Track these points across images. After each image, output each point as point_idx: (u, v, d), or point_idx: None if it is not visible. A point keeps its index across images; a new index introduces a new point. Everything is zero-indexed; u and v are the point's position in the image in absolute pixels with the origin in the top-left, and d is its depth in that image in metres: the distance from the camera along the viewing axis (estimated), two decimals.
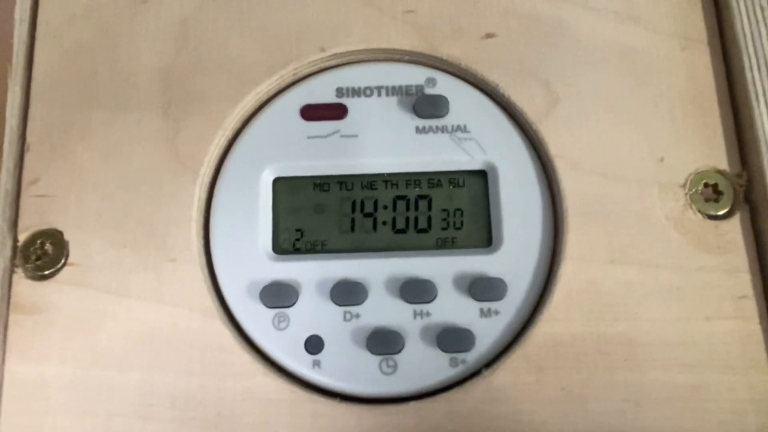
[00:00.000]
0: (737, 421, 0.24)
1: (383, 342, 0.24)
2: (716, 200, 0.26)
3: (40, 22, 0.28)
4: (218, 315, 0.25)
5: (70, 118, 0.27)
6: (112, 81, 0.28)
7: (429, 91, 0.27)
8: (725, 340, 0.24)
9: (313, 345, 0.25)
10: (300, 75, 0.28)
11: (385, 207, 0.26)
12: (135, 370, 0.24)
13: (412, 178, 0.27)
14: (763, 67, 0.26)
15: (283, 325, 0.25)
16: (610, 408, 0.24)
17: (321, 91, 0.27)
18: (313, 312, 0.25)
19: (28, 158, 0.27)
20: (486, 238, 0.26)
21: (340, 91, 0.27)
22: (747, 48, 0.26)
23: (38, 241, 0.26)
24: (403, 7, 0.28)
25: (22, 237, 0.26)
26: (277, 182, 0.27)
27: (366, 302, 0.25)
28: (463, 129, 0.27)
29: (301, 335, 0.25)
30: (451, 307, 0.25)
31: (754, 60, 0.26)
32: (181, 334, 0.25)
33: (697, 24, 0.28)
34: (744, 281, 0.25)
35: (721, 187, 0.26)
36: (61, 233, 0.26)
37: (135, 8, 0.28)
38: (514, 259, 0.25)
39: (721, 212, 0.25)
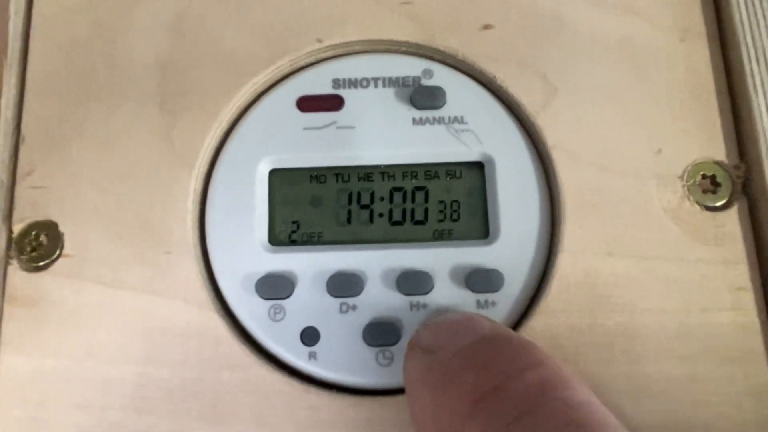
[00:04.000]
0: (735, 413, 0.23)
1: (380, 333, 0.24)
2: (714, 192, 0.25)
3: (35, 14, 0.28)
4: (214, 307, 0.25)
5: (66, 110, 0.27)
6: (108, 73, 0.27)
7: (426, 82, 0.27)
8: (723, 332, 0.24)
9: (309, 337, 0.25)
10: (296, 66, 0.28)
11: (382, 199, 0.26)
12: (130, 363, 0.24)
13: (409, 170, 0.27)
14: (761, 59, 0.26)
15: (279, 316, 0.25)
16: (607, 400, 0.23)
17: (317, 83, 0.27)
18: (309, 304, 0.25)
19: (23, 150, 0.27)
20: (483, 230, 0.26)
21: (336, 83, 0.27)
22: (746, 40, 0.26)
23: (33, 233, 0.26)
24: None
25: (17, 228, 0.26)
26: (273, 174, 0.27)
27: (362, 294, 0.25)
28: (460, 120, 0.27)
29: (297, 327, 0.25)
30: (448, 299, 0.25)
31: (752, 52, 0.26)
32: (177, 326, 0.25)
33: (695, 16, 0.27)
34: (742, 273, 0.25)
35: (718, 179, 0.25)
36: (56, 225, 0.26)
37: (130, 0, 0.28)
38: (511, 250, 0.25)
39: (718, 204, 0.25)
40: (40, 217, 0.26)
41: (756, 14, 0.26)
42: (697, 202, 0.25)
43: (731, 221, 0.25)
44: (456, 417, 0.18)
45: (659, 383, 0.24)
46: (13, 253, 0.25)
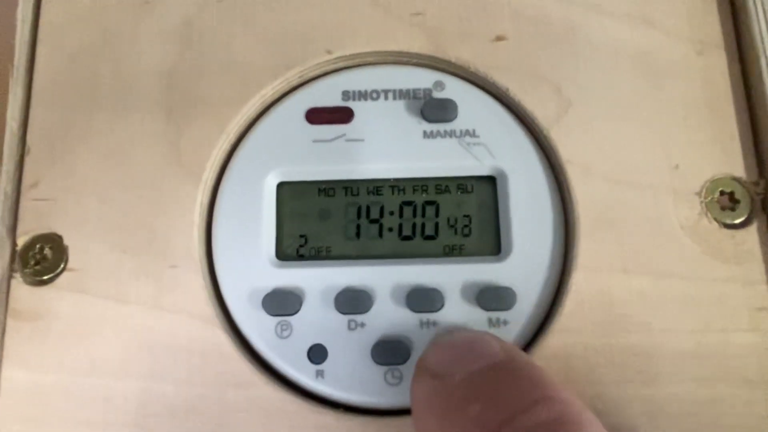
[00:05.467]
0: None
1: (389, 352, 0.24)
2: (732, 209, 0.25)
3: (43, 23, 0.28)
4: (219, 322, 0.24)
5: (72, 120, 0.27)
6: (115, 83, 0.27)
7: (437, 94, 0.27)
8: (742, 353, 0.24)
9: (317, 354, 0.24)
10: (305, 78, 0.27)
11: (392, 213, 0.26)
12: (134, 379, 0.24)
13: (419, 184, 0.26)
14: None
15: (285, 333, 0.24)
16: (623, 422, 0.23)
17: (327, 95, 0.27)
18: (317, 320, 0.24)
19: (28, 161, 0.26)
20: (495, 246, 0.25)
21: (346, 95, 0.27)
22: (765, 52, 0.26)
23: (37, 246, 0.25)
24: (411, 9, 0.27)
25: (21, 241, 0.25)
26: (281, 187, 0.26)
27: (371, 311, 0.24)
28: (471, 133, 0.26)
29: (305, 344, 0.24)
30: (459, 317, 0.24)
31: None
32: (182, 341, 0.24)
33: (713, 28, 0.27)
34: (761, 292, 0.24)
35: (737, 195, 0.25)
36: (60, 238, 0.25)
37: (138, 10, 0.28)
38: (523, 267, 0.25)
39: (737, 221, 0.25)
40: (45, 229, 0.25)
41: None
42: (716, 219, 0.25)
43: (751, 239, 0.25)
44: None
45: (676, 405, 0.23)
46: (17, 266, 0.25)
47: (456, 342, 0.21)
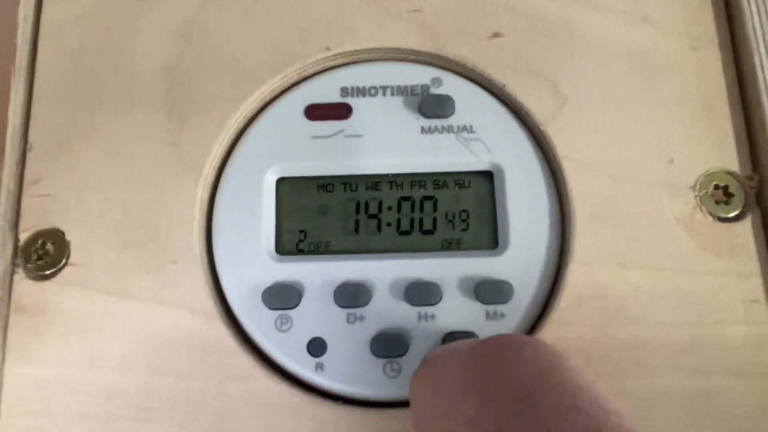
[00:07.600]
0: (748, 428, 0.23)
1: (387, 345, 0.24)
2: (727, 202, 0.25)
3: (44, 21, 0.28)
4: (220, 317, 0.25)
5: (73, 117, 0.27)
6: (115, 80, 0.27)
7: (435, 90, 0.27)
8: (736, 345, 0.24)
9: (316, 347, 0.24)
10: (304, 74, 0.28)
11: (390, 208, 0.26)
12: (135, 373, 0.24)
13: (417, 179, 0.26)
14: None
15: (285, 327, 0.25)
16: None
17: (325, 91, 0.27)
18: (316, 314, 0.25)
19: (30, 158, 0.27)
20: (492, 240, 0.26)
21: (344, 91, 0.27)
22: (758, 48, 0.26)
23: (39, 241, 0.25)
24: (409, 6, 0.28)
25: (24, 237, 0.26)
26: (281, 182, 0.26)
27: (370, 304, 0.25)
28: (469, 129, 0.26)
29: (304, 337, 0.24)
30: (457, 310, 0.25)
31: (765, 60, 0.26)
32: (183, 336, 0.24)
33: (707, 24, 0.27)
34: (755, 285, 0.24)
35: (731, 189, 0.25)
36: (62, 233, 0.26)
37: (138, 7, 0.28)
38: (520, 261, 0.25)
39: (731, 214, 0.25)
40: (47, 225, 0.26)
41: None
42: (710, 213, 0.25)
43: (744, 232, 0.25)
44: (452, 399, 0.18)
45: (671, 397, 0.23)
46: (19, 261, 0.25)
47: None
